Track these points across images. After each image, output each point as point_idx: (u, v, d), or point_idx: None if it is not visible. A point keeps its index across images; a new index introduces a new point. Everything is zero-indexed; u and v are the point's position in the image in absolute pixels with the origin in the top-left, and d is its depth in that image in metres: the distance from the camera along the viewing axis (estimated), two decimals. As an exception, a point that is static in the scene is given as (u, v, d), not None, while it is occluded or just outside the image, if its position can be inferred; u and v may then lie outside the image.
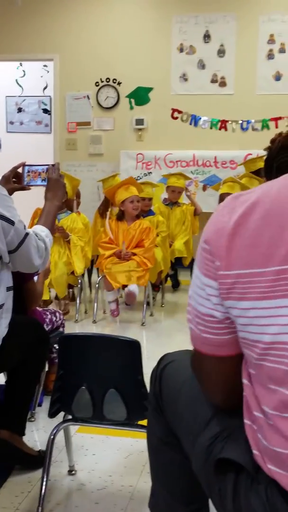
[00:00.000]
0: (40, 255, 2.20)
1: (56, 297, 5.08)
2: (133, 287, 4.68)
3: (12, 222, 2.07)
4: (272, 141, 1.70)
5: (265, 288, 1.01)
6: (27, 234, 2.13)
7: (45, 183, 2.45)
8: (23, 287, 2.57)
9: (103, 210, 5.57)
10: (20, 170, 2.51)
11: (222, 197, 4.70)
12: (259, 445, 1.10)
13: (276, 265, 1.00)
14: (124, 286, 4.80)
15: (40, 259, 2.21)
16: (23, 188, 2.52)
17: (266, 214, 1.03)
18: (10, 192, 2.33)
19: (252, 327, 1.05)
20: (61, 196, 2.46)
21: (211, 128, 7.14)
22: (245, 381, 1.12)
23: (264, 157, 1.59)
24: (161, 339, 4.43)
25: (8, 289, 2.17)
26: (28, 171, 2.51)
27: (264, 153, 1.50)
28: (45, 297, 4.43)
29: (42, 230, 2.28)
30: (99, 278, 4.91)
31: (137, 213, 4.84)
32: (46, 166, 2.49)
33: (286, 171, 1.32)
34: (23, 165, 2.52)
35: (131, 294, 4.66)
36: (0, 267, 2.12)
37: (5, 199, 2.09)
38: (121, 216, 4.90)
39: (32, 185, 2.52)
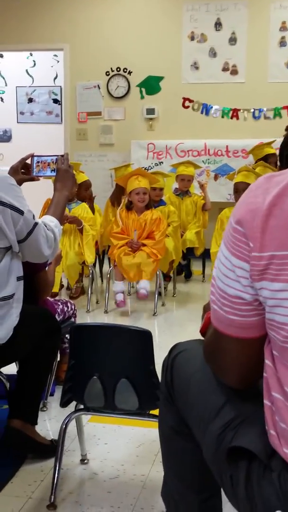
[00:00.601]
0: (49, 245, 2.20)
1: (68, 287, 5.11)
2: (143, 285, 4.69)
3: (21, 212, 2.07)
4: (287, 128, 1.68)
5: None
6: (36, 224, 2.13)
7: (54, 174, 2.45)
8: (35, 277, 2.58)
9: (114, 199, 5.57)
10: (28, 161, 2.50)
11: (236, 186, 4.67)
12: (277, 427, 1.09)
13: None
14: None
15: (49, 249, 2.21)
16: (32, 179, 2.51)
17: None
18: (19, 183, 2.33)
19: (280, 309, 1.04)
20: (70, 186, 2.45)
21: (222, 117, 7.09)
22: (268, 362, 1.12)
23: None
24: (172, 329, 4.43)
25: (19, 278, 2.18)
26: (37, 162, 2.51)
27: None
28: (55, 289, 4.45)
29: (51, 221, 2.28)
30: (110, 268, 4.92)
31: (143, 205, 4.83)
32: (56, 157, 2.48)
33: None
34: (32, 156, 2.51)
35: (142, 295, 4.69)
36: (10, 256, 2.13)
37: (14, 189, 2.09)
38: (129, 206, 4.90)
39: (41, 176, 2.52)
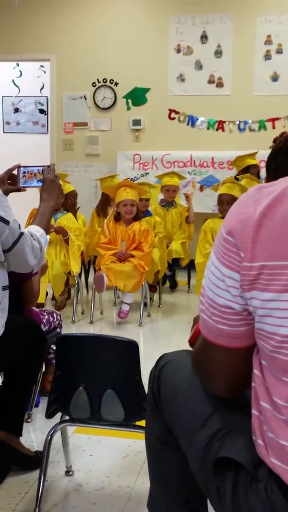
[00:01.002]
0: (35, 255, 2.20)
1: (53, 298, 5.08)
2: (126, 300, 4.76)
3: (7, 222, 2.06)
4: (275, 140, 1.69)
5: None
6: (21, 233, 2.13)
7: (41, 184, 2.45)
8: (21, 287, 2.56)
9: (100, 210, 5.58)
10: (15, 171, 2.50)
11: (221, 198, 4.70)
12: (264, 437, 1.09)
13: None
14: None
15: (35, 259, 2.21)
16: (18, 190, 2.51)
17: None
18: (5, 193, 2.32)
19: (270, 319, 1.05)
20: (56, 196, 2.45)
21: (208, 128, 7.14)
22: (256, 371, 1.12)
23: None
24: (158, 340, 4.42)
25: (4, 288, 2.17)
26: (24, 172, 2.50)
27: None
28: (41, 299, 4.44)
29: (37, 230, 2.27)
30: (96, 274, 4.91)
31: (130, 217, 4.84)
32: (42, 167, 2.48)
33: (284, 173, 1.31)
34: (18, 166, 2.51)
35: (123, 315, 4.74)
36: (-5, 266, 2.12)
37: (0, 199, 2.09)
38: (117, 217, 4.92)
39: (27, 187, 2.51)
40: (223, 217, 4.70)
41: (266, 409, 1.08)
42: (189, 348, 1.42)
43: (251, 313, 1.09)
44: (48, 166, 2.48)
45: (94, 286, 4.72)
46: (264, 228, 1.03)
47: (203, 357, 1.23)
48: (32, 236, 2.19)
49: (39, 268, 2.45)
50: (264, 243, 1.03)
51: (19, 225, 2.14)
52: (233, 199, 4.57)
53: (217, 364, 1.19)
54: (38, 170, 2.50)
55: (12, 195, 2.44)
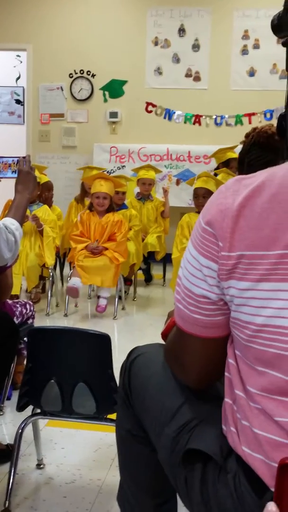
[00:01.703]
0: (9, 248, 2.17)
1: (26, 290, 5.05)
2: (104, 295, 4.74)
3: None
4: (247, 135, 1.70)
5: (266, 271, 1.02)
6: None
7: (15, 175, 2.42)
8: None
9: (79, 198, 5.63)
10: None
11: (196, 192, 4.73)
12: (237, 424, 1.10)
13: (279, 249, 1.01)
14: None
15: (9, 252, 2.18)
16: None
17: (273, 198, 1.03)
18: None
19: (246, 308, 1.05)
20: (32, 188, 2.43)
21: (185, 122, 7.15)
22: (230, 360, 1.13)
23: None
24: (132, 333, 4.42)
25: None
26: None
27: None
28: (15, 291, 4.40)
29: (12, 223, 2.25)
30: (71, 271, 4.89)
31: (101, 210, 4.84)
32: (17, 158, 2.46)
33: (257, 168, 1.32)
34: None
35: (101, 309, 4.72)
36: None
37: None
38: (91, 208, 4.92)
39: (1, 178, 2.49)
40: (199, 212, 4.74)
41: (241, 397, 1.09)
42: (162, 342, 1.42)
43: (227, 302, 1.10)
44: (24, 158, 2.45)
45: (66, 295, 4.70)
46: (243, 218, 1.04)
47: (177, 347, 1.23)
48: (7, 229, 2.17)
49: (13, 261, 2.42)
50: (243, 233, 1.04)
51: None
52: (208, 193, 4.60)
53: (190, 354, 1.20)
54: (13, 160, 2.47)
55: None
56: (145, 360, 1.45)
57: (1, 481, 2.17)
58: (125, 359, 1.52)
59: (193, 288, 1.12)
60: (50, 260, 4.78)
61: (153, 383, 1.36)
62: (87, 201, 5.36)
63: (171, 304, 4.64)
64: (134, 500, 1.49)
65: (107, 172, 6.28)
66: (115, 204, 5.13)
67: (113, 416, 1.72)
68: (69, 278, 4.74)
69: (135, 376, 1.43)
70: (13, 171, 2.36)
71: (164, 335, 1.40)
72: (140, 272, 5.84)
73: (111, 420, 1.96)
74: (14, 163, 2.39)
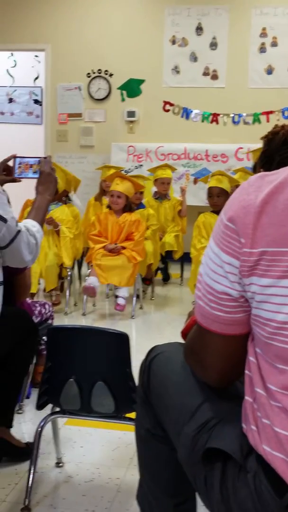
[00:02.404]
0: (30, 251, 2.19)
1: (44, 290, 5.07)
2: (122, 294, 4.73)
3: (4, 220, 2.06)
4: (274, 133, 1.67)
5: None
6: (19, 231, 2.12)
7: (37, 176, 2.43)
8: (13, 280, 2.55)
9: (98, 197, 5.67)
10: (10, 162, 2.48)
11: (210, 191, 4.70)
12: (258, 423, 1.10)
13: None
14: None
15: (30, 255, 2.20)
16: (14, 180, 2.50)
17: None
18: (0, 183, 2.31)
19: (267, 305, 1.05)
20: (52, 190, 2.44)
21: (202, 121, 7.13)
22: (251, 358, 1.13)
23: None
24: (150, 332, 4.43)
25: (-1, 284, 2.16)
26: (20, 163, 2.49)
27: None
28: (33, 289, 4.42)
29: (33, 225, 2.26)
30: (89, 270, 4.90)
31: (116, 208, 4.84)
32: (38, 159, 2.47)
33: None
34: (14, 157, 2.49)
35: (120, 307, 4.70)
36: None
37: None
38: (110, 206, 4.94)
39: (23, 178, 2.50)
40: (213, 211, 4.72)
41: (261, 395, 1.09)
42: (181, 341, 1.42)
43: (248, 299, 1.09)
44: (45, 158, 2.46)
45: (84, 294, 4.71)
46: (266, 214, 1.04)
47: (197, 344, 1.23)
48: (28, 231, 2.19)
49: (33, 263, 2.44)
50: (265, 229, 1.04)
51: (17, 223, 2.13)
52: (222, 192, 4.57)
53: (211, 352, 1.19)
54: (34, 161, 2.48)
55: (5, 185, 2.42)
56: (165, 359, 1.45)
57: (21, 479, 2.19)
58: (144, 358, 1.52)
59: (214, 285, 1.12)
60: (67, 260, 4.79)
61: (172, 382, 1.36)
62: (105, 200, 5.38)
63: (189, 303, 4.63)
64: (153, 499, 1.49)
65: (125, 171, 6.29)
66: (133, 203, 5.14)
67: (132, 415, 1.72)
68: (87, 278, 4.75)
69: (154, 375, 1.43)
70: (34, 172, 2.37)
71: (184, 334, 1.40)
72: (158, 272, 5.84)
73: (130, 419, 1.96)
74: (35, 164, 2.39)
